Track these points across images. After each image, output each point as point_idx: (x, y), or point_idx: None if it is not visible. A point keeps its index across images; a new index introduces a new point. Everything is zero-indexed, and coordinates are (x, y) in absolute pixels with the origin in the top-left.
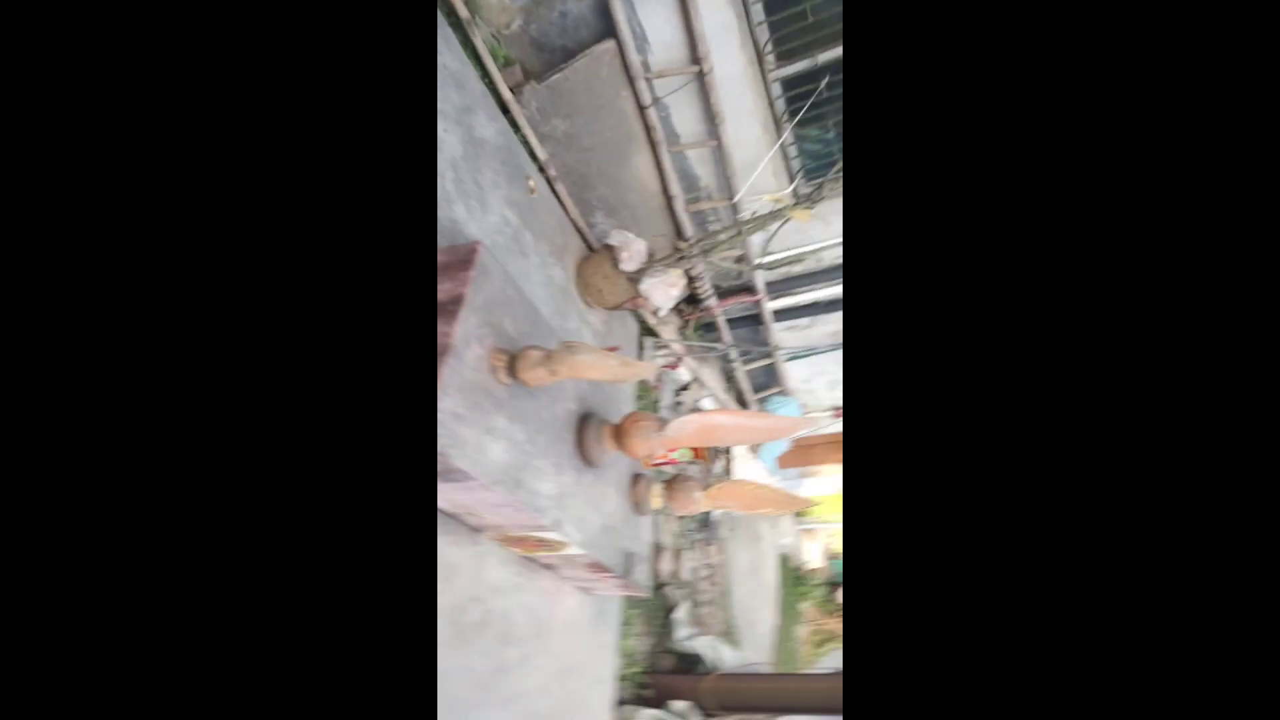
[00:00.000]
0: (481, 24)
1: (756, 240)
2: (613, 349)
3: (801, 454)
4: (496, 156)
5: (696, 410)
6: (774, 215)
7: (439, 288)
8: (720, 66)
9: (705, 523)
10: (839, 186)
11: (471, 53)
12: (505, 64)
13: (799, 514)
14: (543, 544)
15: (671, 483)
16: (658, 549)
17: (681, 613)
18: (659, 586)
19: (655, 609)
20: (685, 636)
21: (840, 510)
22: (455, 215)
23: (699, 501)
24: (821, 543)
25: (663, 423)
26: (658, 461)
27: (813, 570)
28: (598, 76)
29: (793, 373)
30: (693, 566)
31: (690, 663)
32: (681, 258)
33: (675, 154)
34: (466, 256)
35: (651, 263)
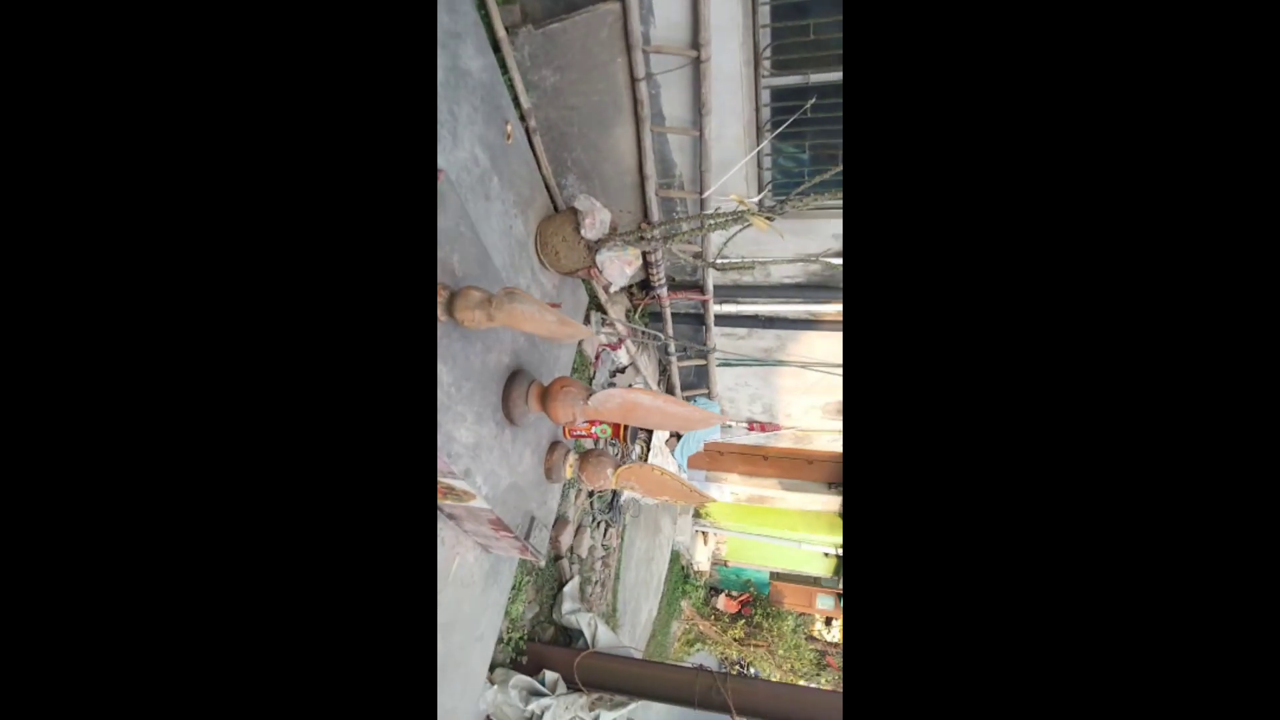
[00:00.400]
0: None
1: (716, 240)
2: (555, 305)
3: (712, 459)
4: (478, 92)
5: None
6: (736, 217)
7: None
8: (717, 58)
9: (611, 504)
10: (802, 207)
11: None
12: (505, 0)
13: (697, 514)
14: (450, 492)
15: (586, 455)
16: (561, 521)
17: (571, 587)
18: (555, 558)
19: (547, 579)
20: (569, 611)
21: (733, 521)
22: None
23: (609, 478)
24: (712, 547)
25: (589, 392)
26: (577, 433)
27: (700, 572)
28: (596, 36)
29: (721, 378)
30: (590, 545)
31: (569, 637)
32: (642, 238)
33: (657, 135)
34: None
35: (613, 236)
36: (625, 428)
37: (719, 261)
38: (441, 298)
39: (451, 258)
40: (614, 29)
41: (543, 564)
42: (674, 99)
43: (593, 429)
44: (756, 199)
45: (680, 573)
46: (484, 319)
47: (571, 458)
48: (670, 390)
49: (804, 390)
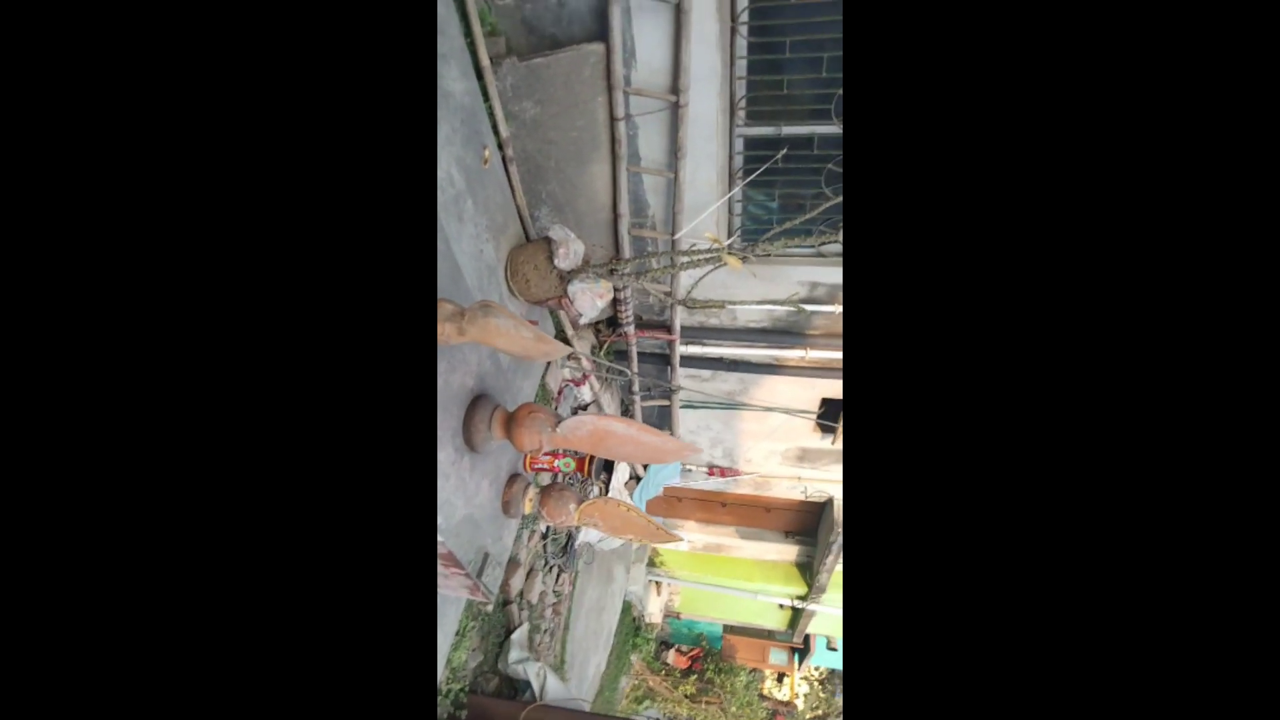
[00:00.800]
0: None
1: (686, 280)
2: (532, 323)
3: (670, 505)
4: (458, 114)
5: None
6: (710, 256)
7: None
8: (695, 105)
9: (566, 547)
10: (772, 251)
11: (460, 4)
12: (491, 32)
13: (651, 563)
14: None
15: (548, 490)
16: (512, 563)
17: (520, 635)
18: (504, 603)
19: (493, 625)
20: (516, 660)
21: (689, 570)
22: None
23: (571, 514)
24: (665, 598)
25: (558, 419)
26: (539, 465)
27: (651, 624)
28: (579, 74)
29: (684, 420)
30: (541, 591)
31: (515, 689)
32: (613, 271)
33: (633, 175)
34: None
35: (586, 268)
36: (590, 461)
37: (690, 299)
38: None
39: None
40: (596, 69)
41: (491, 607)
42: (651, 141)
43: (555, 462)
44: (727, 242)
45: (631, 624)
46: (454, 333)
47: (532, 491)
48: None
49: (765, 435)
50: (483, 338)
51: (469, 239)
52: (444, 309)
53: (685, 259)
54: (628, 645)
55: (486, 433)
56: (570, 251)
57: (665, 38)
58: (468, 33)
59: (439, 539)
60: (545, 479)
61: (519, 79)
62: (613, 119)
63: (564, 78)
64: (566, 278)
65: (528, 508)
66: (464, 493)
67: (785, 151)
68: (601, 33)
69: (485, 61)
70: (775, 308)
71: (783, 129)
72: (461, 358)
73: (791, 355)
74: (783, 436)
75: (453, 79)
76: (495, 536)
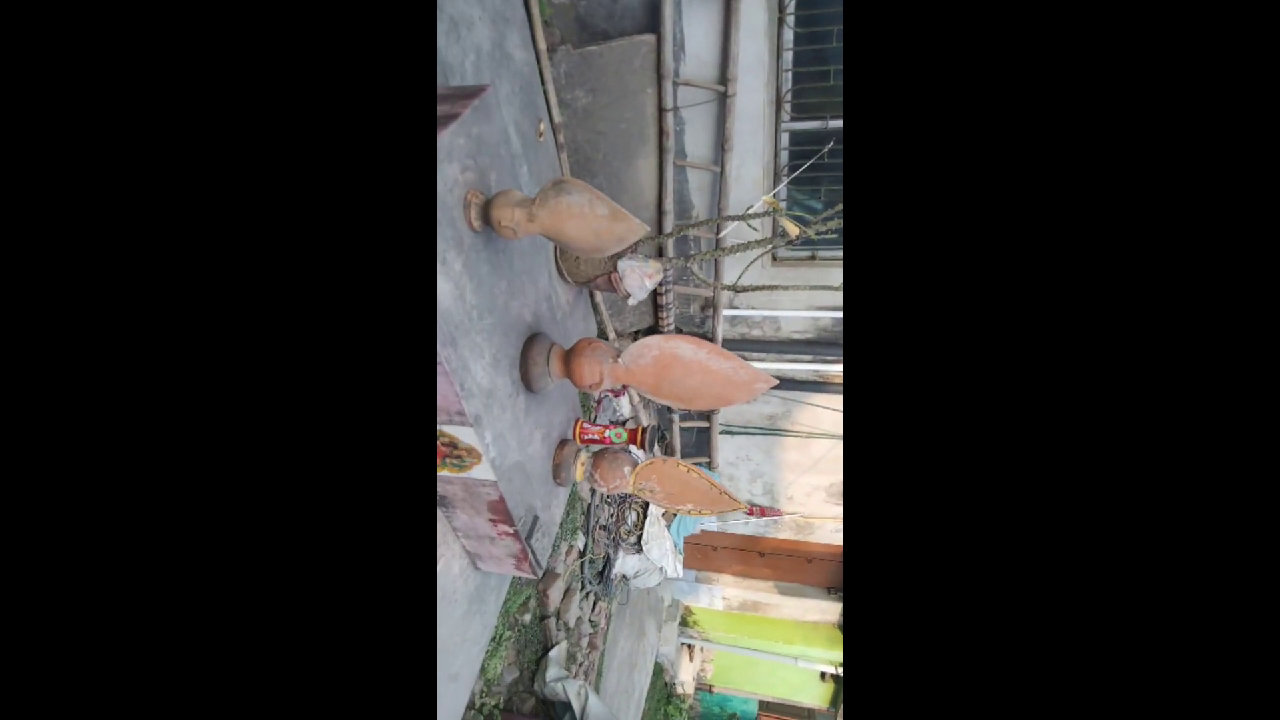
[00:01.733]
0: None
1: (730, 279)
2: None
3: (704, 556)
4: (518, 80)
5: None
6: (765, 217)
7: (438, 109)
8: (742, 97)
9: (603, 573)
10: (825, 231)
11: None
12: (546, 22)
13: (684, 623)
14: (451, 451)
15: (601, 455)
16: (550, 574)
17: (558, 653)
18: (542, 618)
19: (530, 639)
20: (554, 678)
21: (723, 631)
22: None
23: (626, 478)
24: (698, 665)
25: (618, 351)
26: (589, 436)
27: (683, 695)
28: (630, 65)
29: (722, 448)
30: (579, 616)
31: (551, 711)
32: (661, 253)
33: (678, 172)
34: (473, 92)
35: (634, 250)
36: (643, 432)
37: (739, 285)
38: (477, 201)
39: (489, 173)
40: (647, 59)
41: (540, 575)
42: (697, 137)
43: (606, 432)
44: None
45: (663, 690)
46: (524, 219)
47: (583, 456)
48: (669, 451)
49: (808, 466)
50: (554, 222)
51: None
52: (512, 195)
53: (737, 223)
54: (659, 715)
55: (544, 369)
56: None
57: (714, 29)
58: (528, 16)
59: (492, 479)
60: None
61: (572, 66)
62: (661, 110)
63: (615, 67)
64: (615, 254)
65: (579, 474)
66: (518, 435)
67: (832, 145)
68: (653, 25)
69: (542, 45)
70: (819, 315)
71: (829, 123)
72: (520, 284)
73: (837, 370)
74: (826, 468)
75: (514, 45)
76: (545, 501)
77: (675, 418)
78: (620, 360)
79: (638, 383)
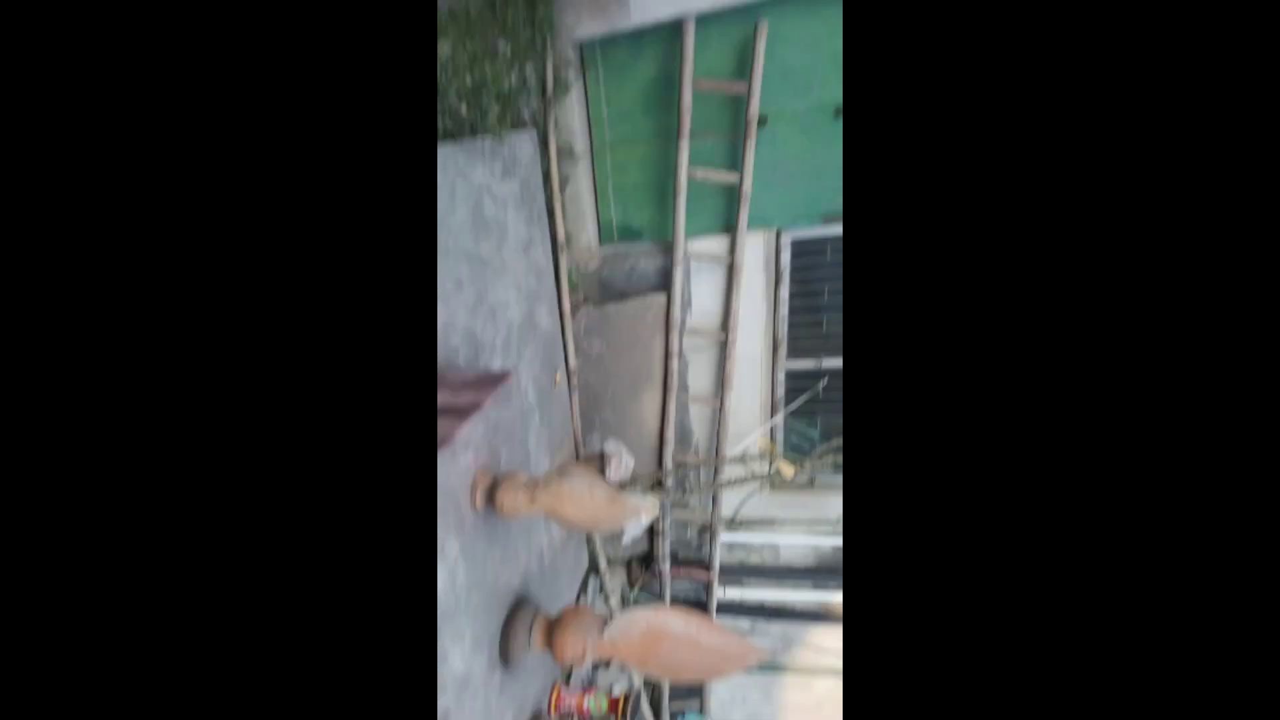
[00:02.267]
0: (570, 253)
1: (728, 510)
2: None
3: None
4: (541, 343)
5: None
6: (752, 472)
7: (462, 398)
8: (741, 344)
9: None
10: (820, 466)
11: (554, 264)
12: (572, 288)
13: None
14: None
15: None
16: None
17: None
18: None
19: None
20: None
21: None
22: (491, 367)
23: None
24: None
25: (604, 621)
26: (564, 707)
27: None
28: (643, 319)
29: (716, 691)
30: None
31: None
32: (658, 484)
33: (680, 405)
34: (498, 378)
35: (633, 482)
36: (625, 702)
37: (737, 520)
38: (484, 484)
39: (500, 451)
40: (658, 314)
41: None
42: (700, 374)
43: (585, 700)
44: (769, 468)
45: None
46: (526, 502)
47: None
48: (654, 699)
49: (812, 708)
50: (553, 503)
51: (532, 450)
52: (518, 478)
53: (734, 470)
54: None
55: (526, 642)
56: (622, 465)
57: (718, 290)
58: (558, 287)
59: None
60: None
61: (592, 321)
62: (667, 354)
63: (629, 320)
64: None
65: None
66: (486, 716)
67: (825, 381)
68: (664, 286)
69: (566, 307)
70: (820, 542)
71: (823, 361)
72: (513, 550)
73: (838, 600)
74: (832, 711)
75: (542, 315)
76: None
77: None
78: (606, 634)
79: (624, 657)
